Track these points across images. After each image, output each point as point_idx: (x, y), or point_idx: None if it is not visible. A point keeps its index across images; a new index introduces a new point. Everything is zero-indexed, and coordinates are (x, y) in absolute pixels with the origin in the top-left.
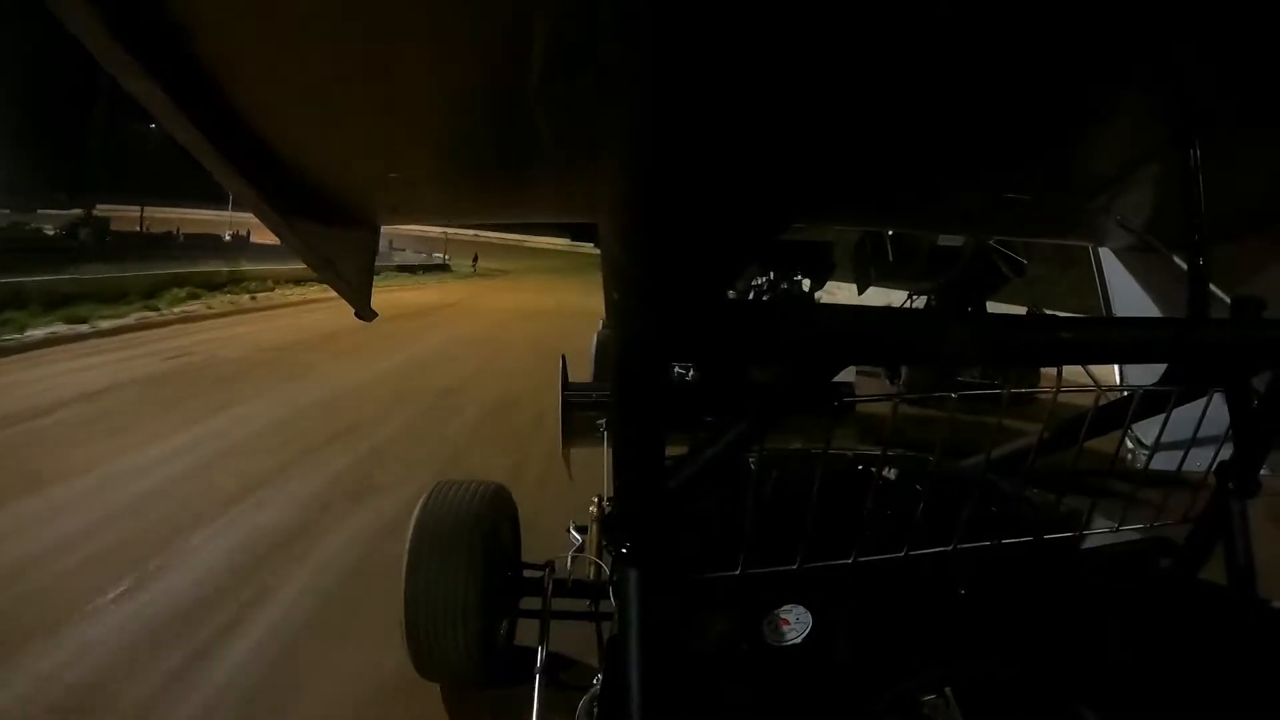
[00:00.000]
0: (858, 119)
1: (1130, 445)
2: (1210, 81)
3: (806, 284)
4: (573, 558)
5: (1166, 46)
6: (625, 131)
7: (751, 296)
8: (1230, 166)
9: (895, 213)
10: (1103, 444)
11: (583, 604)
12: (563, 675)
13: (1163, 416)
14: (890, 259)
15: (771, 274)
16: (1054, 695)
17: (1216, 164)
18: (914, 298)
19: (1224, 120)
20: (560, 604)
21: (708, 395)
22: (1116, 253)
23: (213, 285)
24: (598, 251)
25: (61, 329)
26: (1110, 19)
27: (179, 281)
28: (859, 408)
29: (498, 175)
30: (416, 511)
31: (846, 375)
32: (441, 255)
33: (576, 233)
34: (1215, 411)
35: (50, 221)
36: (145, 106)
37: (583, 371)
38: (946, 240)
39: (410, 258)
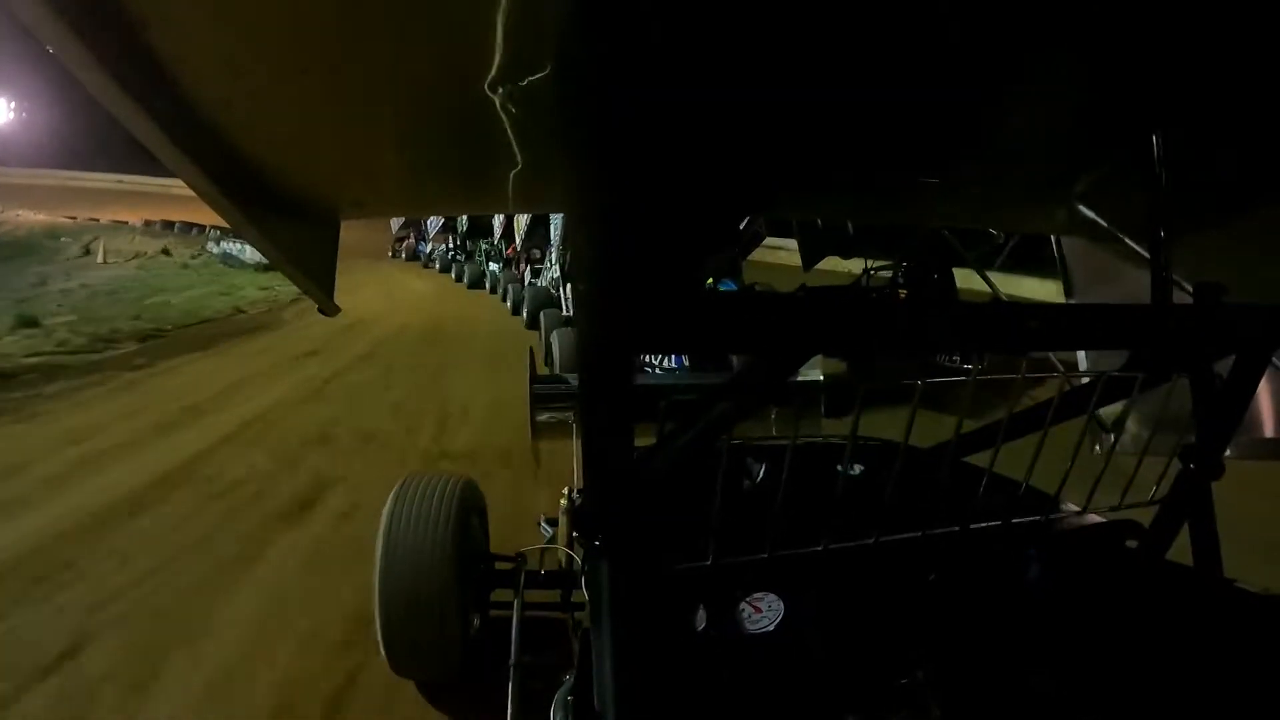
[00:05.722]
0: (817, 111)
1: (1096, 430)
2: (1173, 72)
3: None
4: (544, 550)
5: (1128, 37)
6: (588, 123)
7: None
8: (1192, 157)
9: (856, 203)
10: (1069, 429)
11: (555, 595)
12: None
13: (1127, 401)
14: (850, 234)
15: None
16: (1024, 678)
17: (1179, 155)
18: (871, 271)
19: (1186, 111)
20: (532, 596)
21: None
22: (1079, 241)
23: None
24: None
25: None
26: (1070, 9)
27: None
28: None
29: (461, 168)
30: (388, 505)
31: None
32: None
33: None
34: (1179, 396)
35: None
36: (100, 100)
37: None
38: None
39: None
